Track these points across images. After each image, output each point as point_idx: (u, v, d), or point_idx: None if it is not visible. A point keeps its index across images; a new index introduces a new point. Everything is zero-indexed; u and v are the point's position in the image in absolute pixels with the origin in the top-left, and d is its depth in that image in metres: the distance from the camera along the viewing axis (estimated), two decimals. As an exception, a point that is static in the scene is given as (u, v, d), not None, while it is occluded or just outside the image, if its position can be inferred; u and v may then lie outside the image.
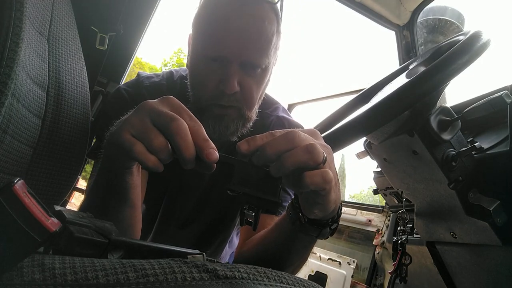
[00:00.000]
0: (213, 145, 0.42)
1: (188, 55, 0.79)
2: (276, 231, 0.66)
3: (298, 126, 0.93)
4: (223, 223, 0.94)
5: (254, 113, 0.77)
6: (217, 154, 0.42)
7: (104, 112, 0.95)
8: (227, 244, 1.03)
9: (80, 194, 1.30)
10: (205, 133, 0.42)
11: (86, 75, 0.84)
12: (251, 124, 0.77)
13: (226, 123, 0.73)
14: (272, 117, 0.90)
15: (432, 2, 1.41)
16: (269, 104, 0.92)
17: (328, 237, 0.57)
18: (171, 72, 0.90)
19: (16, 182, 0.27)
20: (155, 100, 0.45)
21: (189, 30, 0.78)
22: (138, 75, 0.88)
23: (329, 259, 2.03)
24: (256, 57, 0.69)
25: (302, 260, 0.67)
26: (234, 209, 0.92)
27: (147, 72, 0.91)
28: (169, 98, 0.45)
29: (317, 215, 0.50)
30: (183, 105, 0.45)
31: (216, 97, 0.71)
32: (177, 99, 0.45)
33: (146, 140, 0.41)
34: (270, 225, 0.71)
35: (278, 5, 0.74)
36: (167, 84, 0.86)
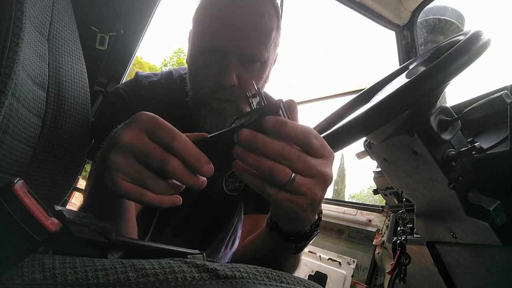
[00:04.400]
0: (204, 158, 0.39)
1: (188, 51, 0.79)
2: (259, 236, 0.67)
3: None
4: (220, 224, 0.94)
5: None
6: (212, 167, 0.39)
7: (102, 112, 0.95)
8: (229, 246, 1.02)
9: (80, 194, 1.29)
10: (191, 147, 0.38)
11: (86, 75, 0.84)
12: None
13: (223, 118, 0.72)
14: None
15: (432, 2, 1.41)
16: None
17: (295, 252, 0.57)
18: (170, 72, 0.90)
19: (16, 182, 0.27)
20: (132, 130, 0.38)
21: (190, 28, 0.79)
22: (137, 74, 0.88)
23: (329, 259, 2.02)
24: (255, 49, 0.69)
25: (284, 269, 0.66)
26: (231, 209, 0.92)
27: (146, 72, 0.91)
28: (142, 121, 0.39)
29: (282, 224, 0.52)
30: (157, 119, 0.39)
31: (214, 90, 0.71)
32: (149, 114, 0.39)
33: (146, 186, 0.39)
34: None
35: (279, 1, 0.74)
36: (166, 83, 0.85)
